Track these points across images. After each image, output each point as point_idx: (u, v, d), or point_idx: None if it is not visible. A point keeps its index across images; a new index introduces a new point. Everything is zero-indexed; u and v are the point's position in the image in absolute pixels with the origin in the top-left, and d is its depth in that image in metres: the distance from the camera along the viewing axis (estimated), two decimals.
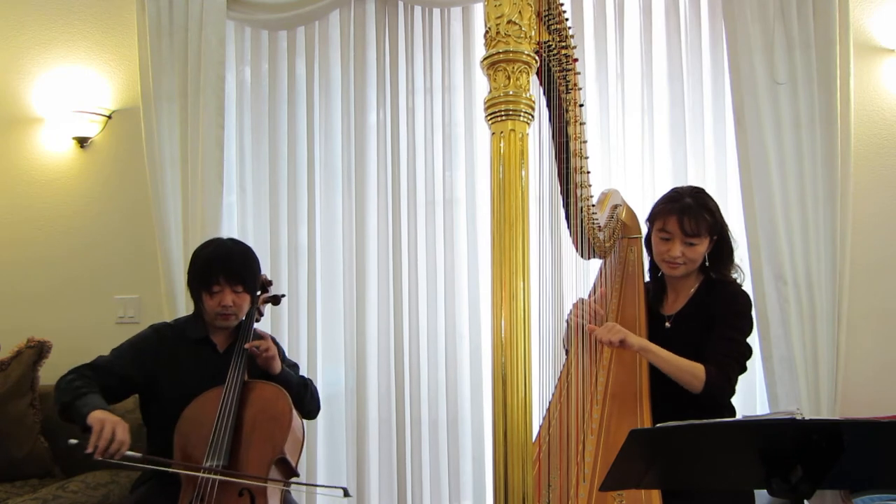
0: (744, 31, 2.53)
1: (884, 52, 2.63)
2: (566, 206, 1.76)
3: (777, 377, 2.50)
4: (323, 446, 2.96)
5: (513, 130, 1.20)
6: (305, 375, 2.24)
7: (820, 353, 2.48)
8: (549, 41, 1.46)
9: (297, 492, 2.68)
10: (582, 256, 1.90)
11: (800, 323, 2.50)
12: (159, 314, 2.85)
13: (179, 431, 1.88)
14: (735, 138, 2.57)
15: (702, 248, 1.94)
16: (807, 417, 1.10)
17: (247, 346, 1.99)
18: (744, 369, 1.89)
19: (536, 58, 1.24)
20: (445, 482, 2.84)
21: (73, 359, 2.00)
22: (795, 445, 1.11)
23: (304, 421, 2.10)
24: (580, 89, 1.68)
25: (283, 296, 2.45)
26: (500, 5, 1.20)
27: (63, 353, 2.56)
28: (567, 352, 2.01)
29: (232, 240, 2.15)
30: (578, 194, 1.77)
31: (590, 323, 1.91)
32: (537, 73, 1.34)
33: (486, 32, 1.23)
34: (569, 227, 1.80)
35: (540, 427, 1.79)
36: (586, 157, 1.78)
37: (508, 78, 1.20)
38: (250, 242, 2.33)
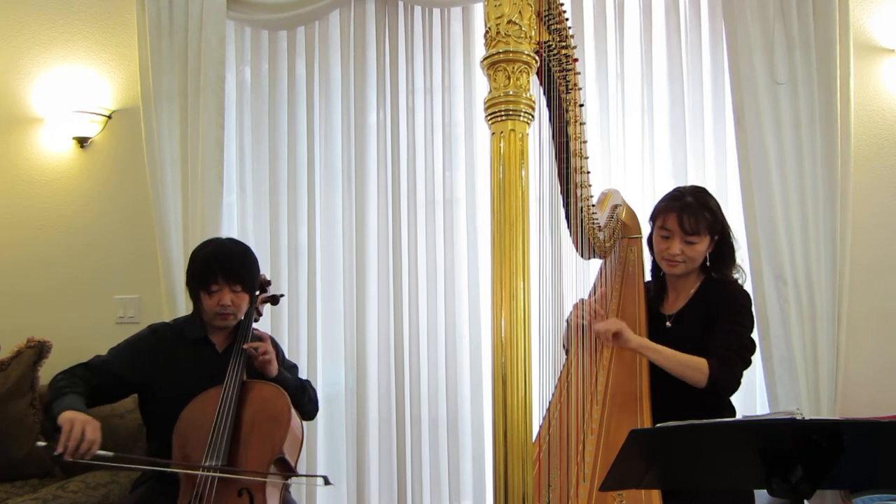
0: (744, 31, 2.53)
1: (884, 52, 2.63)
2: (566, 206, 1.76)
3: (777, 377, 2.50)
4: (323, 446, 2.96)
5: (513, 130, 1.20)
6: (305, 377, 2.23)
7: (820, 353, 2.48)
8: (549, 41, 1.46)
9: (297, 492, 2.68)
10: (582, 256, 1.90)
11: (800, 323, 2.50)
12: (159, 314, 2.85)
13: (178, 431, 1.88)
14: (735, 138, 2.57)
15: (701, 246, 1.93)
16: (807, 417, 1.10)
17: (245, 346, 1.99)
18: (748, 363, 1.89)
19: (536, 58, 1.23)
20: (445, 482, 2.84)
21: (73, 359, 2.00)
22: (795, 445, 1.11)
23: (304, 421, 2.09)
24: (580, 89, 1.68)
25: (282, 296, 2.44)
26: (500, 5, 1.20)
27: (63, 353, 2.56)
28: (567, 352, 2.01)
29: (231, 239, 2.15)
30: (578, 194, 1.77)
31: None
32: (537, 73, 1.33)
33: (486, 32, 1.23)
34: (569, 227, 1.80)
35: (540, 427, 1.79)
36: (586, 157, 1.78)
37: (508, 78, 1.20)
38: (250, 242, 2.33)
